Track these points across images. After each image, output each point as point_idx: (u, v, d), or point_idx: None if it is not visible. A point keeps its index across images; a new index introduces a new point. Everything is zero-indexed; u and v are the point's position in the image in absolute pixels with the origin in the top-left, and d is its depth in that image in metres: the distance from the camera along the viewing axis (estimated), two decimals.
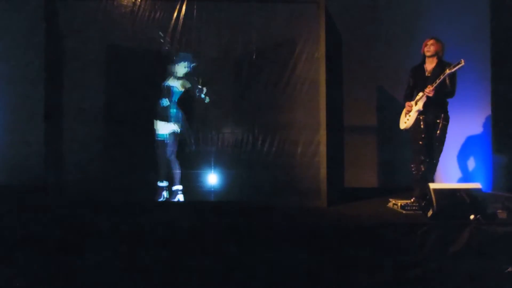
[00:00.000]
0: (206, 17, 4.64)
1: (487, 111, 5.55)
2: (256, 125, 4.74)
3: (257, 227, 3.48)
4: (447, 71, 3.93)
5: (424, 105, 4.14)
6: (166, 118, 4.62)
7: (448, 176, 5.43)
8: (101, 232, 3.37)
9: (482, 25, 5.56)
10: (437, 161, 4.19)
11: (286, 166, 4.65)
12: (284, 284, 3.24)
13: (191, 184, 4.71)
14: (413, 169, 4.22)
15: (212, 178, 4.79)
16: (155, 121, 4.66)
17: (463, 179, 5.51)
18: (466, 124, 5.42)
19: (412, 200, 4.16)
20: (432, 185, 3.65)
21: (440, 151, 4.16)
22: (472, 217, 3.42)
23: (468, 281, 3.23)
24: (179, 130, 4.64)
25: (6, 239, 3.31)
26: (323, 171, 4.37)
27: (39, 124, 4.51)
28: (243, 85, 4.82)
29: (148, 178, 4.66)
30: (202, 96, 4.61)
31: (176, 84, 4.64)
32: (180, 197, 4.64)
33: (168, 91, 4.63)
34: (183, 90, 4.66)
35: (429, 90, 4.02)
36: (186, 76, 4.67)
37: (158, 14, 4.59)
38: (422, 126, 4.17)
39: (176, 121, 4.62)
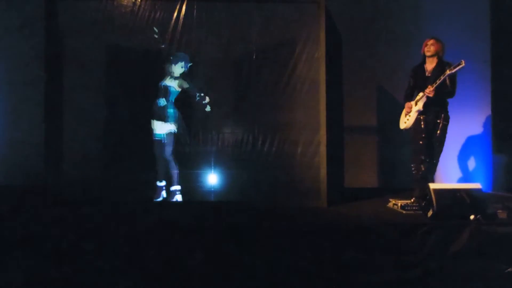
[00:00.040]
0: (206, 17, 4.64)
1: (487, 111, 5.55)
2: (256, 125, 4.74)
3: (257, 227, 3.48)
4: (448, 72, 3.93)
5: (424, 105, 4.14)
6: (163, 118, 4.62)
7: (448, 176, 5.42)
8: (101, 232, 3.37)
9: (482, 25, 5.55)
10: (437, 161, 4.19)
11: (286, 166, 4.65)
12: (284, 284, 3.24)
13: (191, 184, 4.71)
14: (413, 169, 4.22)
15: (212, 178, 4.78)
16: (152, 121, 4.66)
17: (463, 179, 5.51)
18: (466, 124, 5.42)
19: (412, 200, 4.16)
20: (432, 185, 3.65)
21: (440, 151, 4.17)
22: (472, 217, 3.42)
23: (468, 281, 3.23)
24: (176, 130, 4.64)
25: (6, 239, 3.30)
26: (323, 171, 4.37)
27: (39, 124, 4.51)
28: (243, 85, 4.82)
29: (147, 178, 4.66)
30: (204, 102, 4.61)
31: (173, 84, 4.64)
32: (178, 197, 4.64)
33: (165, 91, 4.63)
34: (180, 90, 4.66)
35: (430, 90, 4.02)
36: (184, 76, 4.67)
37: (158, 14, 4.59)
38: (422, 126, 4.17)
39: (173, 121, 4.63)
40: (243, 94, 4.84)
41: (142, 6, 4.58)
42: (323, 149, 4.40)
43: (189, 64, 4.68)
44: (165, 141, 4.62)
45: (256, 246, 3.33)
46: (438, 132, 4.13)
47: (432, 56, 4.18)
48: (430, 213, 3.60)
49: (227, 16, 4.71)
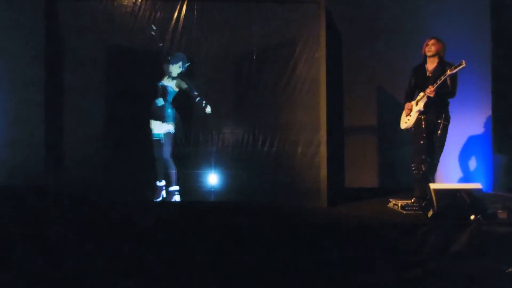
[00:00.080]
0: (206, 17, 4.65)
1: (487, 111, 5.55)
2: (256, 125, 4.74)
3: (257, 227, 3.48)
4: (448, 72, 3.93)
5: (425, 105, 4.13)
6: (161, 118, 4.63)
7: (448, 176, 5.42)
8: (101, 232, 3.37)
9: (482, 25, 5.55)
10: (438, 161, 4.19)
11: (286, 166, 4.65)
12: (284, 284, 3.24)
13: (191, 184, 4.71)
14: (413, 169, 4.22)
15: (212, 178, 4.78)
16: (150, 120, 4.66)
17: (463, 179, 5.51)
18: (466, 124, 5.41)
19: (412, 200, 4.16)
20: (432, 185, 3.65)
21: (441, 151, 4.16)
22: (472, 217, 3.41)
23: (468, 281, 3.22)
24: (174, 131, 4.64)
25: (6, 239, 3.30)
26: (323, 171, 4.37)
27: (39, 124, 4.52)
28: (243, 85, 4.82)
29: (147, 178, 4.66)
30: (203, 105, 4.61)
31: (171, 84, 4.65)
32: (176, 198, 4.64)
33: (163, 91, 4.64)
34: (178, 90, 4.66)
35: (430, 90, 4.02)
36: (182, 76, 4.67)
37: (158, 14, 4.60)
38: (423, 126, 4.17)
39: (171, 121, 4.63)
40: (243, 94, 4.84)
41: (142, 6, 4.59)
42: (323, 149, 4.40)
43: (187, 64, 4.68)
44: (163, 141, 4.62)
45: (256, 246, 3.33)
46: (439, 132, 4.13)
47: (433, 56, 4.18)
48: (430, 213, 3.60)
49: (227, 16, 4.71)
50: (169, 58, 4.65)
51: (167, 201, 4.63)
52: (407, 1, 5.69)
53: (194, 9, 4.61)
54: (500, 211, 3.67)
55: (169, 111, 4.64)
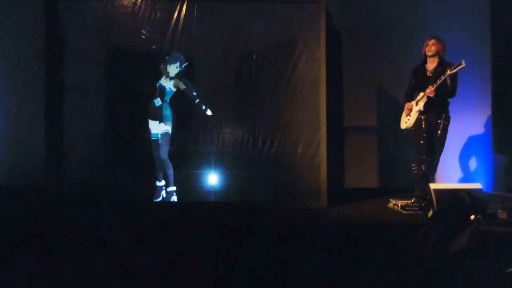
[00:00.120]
0: (206, 17, 4.65)
1: (487, 111, 5.54)
2: (256, 125, 4.74)
3: (257, 227, 3.48)
4: (448, 72, 3.93)
5: (425, 105, 4.13)
6: (158, 118, 4.62)
7: (448, 176, 5.42)
8: (101, 232, 3.37)
9: (482, 25, 5.55)
10: (438, 161, 4.19)
11: (287, 166, 4.66)
12: (284, 284, 3.24)
13: (192, 184, 4.71)
14: (414, 169, 4.22)
15: (213, 178, 4.79)
16: (149, 120, 4.66)
17: (463, 179, 5.51)
18: (466, 124, 5.40)
19: (412, 200, 4.15)
20: (432, 185, 3.65)
21: (441, 151, 4.16)
22: (472, 217, 3.42)
23: (468, 281, 3.23)
24: (171, 131, 4.63)
25: (6, 239, 3.30)
26: (323, 171, 4.37)
27: (39, 124, 4.51)
28: (243, 85, 4.82)
29: (147, 178, 4.66)
30: (202, 108, 4.61)
31: (169, 84, 4.65)
32: (174, 198, 4.63)
33: (161, 91, 4.63)
34: (175, 90, 4.66)
35: (430, 90, 4.02)
36: (180, 76, 4.66)
37: (158, 14, 4.60)
38: (423, 126, 4.17)
39: (169, 121, 4.62)
40: (243, 94, 4.84)
41: (142, 6, 4.58)
42: (323, 149, 4.40)
43: (185, 64, 4.68)
44: (160, 141, 4.61)
45: (256, 246, 3.33)
46: (439, 132, 4.13)
47: (433, 56, 4.18)
48: (430, 213, 3.60)
49: (227, 16, 4.71)
50: (167, 58, 4.65)
51: (166, 201, 4.63)
52: (407, 1, 5.68)
53: (194, 9, 4.61)
54: (500, 211, 3.67)
55: (167, 111, 4.63)
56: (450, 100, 4.19)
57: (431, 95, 4.03)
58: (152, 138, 4.66)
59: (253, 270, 3.26)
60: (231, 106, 4.97)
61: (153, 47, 4.62)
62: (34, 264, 3.23)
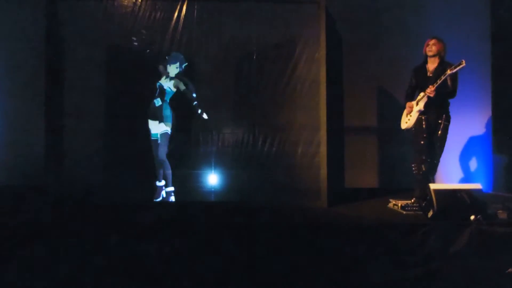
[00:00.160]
0: (206, 17, 4.65)
1: (488, 111, 5.55)
2: (256, 125, 4.74)
3: (257, 227, 3.48)
4: (448, 72, 3.92)
5: (426, 105, 4.13)
6: (158, 118, 4.61)
7: (448, 177, 5.42)
8: (101, 232, 3.37)
9: (482, 25, 5.55)
10: (438, 161, 4.18)
11: (286, 166, 4.66)
12: (284, 284, 3.24)
13: (192, 184, 4.71)
14: (414, 169, 4.22)
15: (213, 179, 4.79)
16: (148, 120, 4.66)
17: (463, 180, 5.51)
18: (466, 124, 5.41)
19: (412, 200, 4.15)
20: (432, 186, 3.65)
21: (442, 151, 4.16)
22: (472, 217, 3.41)
23: (468, 281, 3.23)
24: (170, 131, 4.62)
25: (6, 239, 3.30)
26: (323, 171, 4.37)
27: (39, 124, 4.51)
28: (243, 85, 4.82)
29: (147, 178, 4.66)
30: (199, 111, 4.60)
31: (169, 84, 4.64)
32: (172, 198, 4.63)
33: (161, 91, 4.63)
34: (175, 90, 4.65)
35: (430, 90, 4.02)
36: (180, 76, 4.66)
37: (158, 14, 4.60)
38: (423, 126, 4.16)
39: (168, 122, 4.61)
40: (243, 94, 4.85)
41: (142, 6, 4.59)
42: (323, 149, 4.40)
43: (184, 64, 4.67)
44: (159, 141, 4.61)
45: (256, 246, 3.33)
46: (440, 132, 4.12)
47: (433, 56, 4.17)
48: (430, 213, 3.60)
49: (227, 16, 4.71)
50: (167, 58, 4.65)
51: (166, 202, 4.63)
52: (407, 1, 5.68)
53: (194, 9, 4.61)
54: (500, 211, 3.67)
55: (167, 111, 4.63)
56: (450, 100, 4.19)
57: (432, 95, 4.03)
58: (152, 138, 4.66)
59: (253, 270, 3.26)
60: (231, 106, 4.97)
61: (148, 50, 4.60)
62: (34, 264, 3.23)
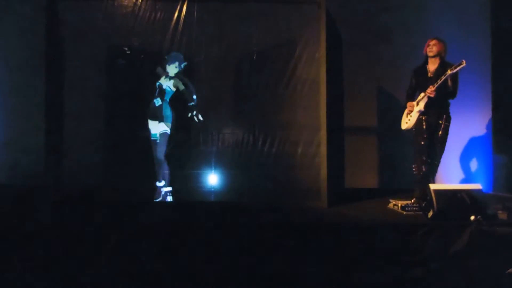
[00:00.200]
0: (206, 18, 4.65)
1: (488, 112, 5.54)
2: (256, 126, 4.74)
3: (257, 227, 3.48)
4: (449, 72, 3.92)
5: (426, 105, 4.13)
6: (158, 118, 4.60)
7: (448, 177, 5.42)
8: (101, 232, 3.37)
9: (482, 25, 5.55)
10: (439, 161, 4.18)
11: (287, 166, 4.66)
12: (284, 284, 3.24)
13: (192, 184, 4.71)
14: (414, 169, 4.22)
15: (213, 179, 4.78)
16: (148, 120, 4.66)
17: (464, 180, 5.51)
18: (466, 124, 5.40)
19: (412, 200, 4.15)
20: (432, 186, 3.65)
21: (442, 152, 4.15)
22: (472, 217, 3.41)
23: (468, 282, 3.23)
24: (170, 131, 4.62)
25: (6, 239, 3.30)
26: (324, 171, 4.36)
27: (39, 124, 4.51)
28: (243, 85, 4.82)
29: (147, 178, 4.66)
30: (194, 113, 4.59)
31: (168, 84, 4.64)
32: (169, 198, 4.63)
33: (161, 91, 4.63)
34: (175, 89, 4.65)
35: (431, 90, 4.02)
36: (179, 76, 4.65)
37: (158, 14, 4.60)
38: (424, 127, 4.16)
39: (168, 121, 4.60)
40: (244, 95, 4.85)
41: (143, 6, 4.59)
42: (323, 149, 4.39)
43: (184, 64, 4.66)
44: (158, 141, 4.60)
45: (256, 246, 3.33)
46: (440, 132, 4.12)
47: (434, 56, 4.17)
48: (430, 213, 3.60)
49: (227, 16, 4.71)
50: (166, 58, 4.65)
51: (166, 202, 4.63)
52: (408, 1, 5.68)
53: (194, 10, 4.62)
54: (500, 211, 3.67)
55: (167, 111, 4.62)
56: (450, 100, 4.19)
57: (432, 95, 4.02)
58: (152, 138, 4.65)
59: (253, 270, 3.26)
60: (231, 106, 4.97)
61: (142, 56, 4.60)
62: (34, 264, 3.23)
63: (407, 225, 3.46)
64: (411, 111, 4.26)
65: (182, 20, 4.61)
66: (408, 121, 4.29)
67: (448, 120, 4.13)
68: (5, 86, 5.41)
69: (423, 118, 4.17)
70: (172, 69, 4.64)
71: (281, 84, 4.65)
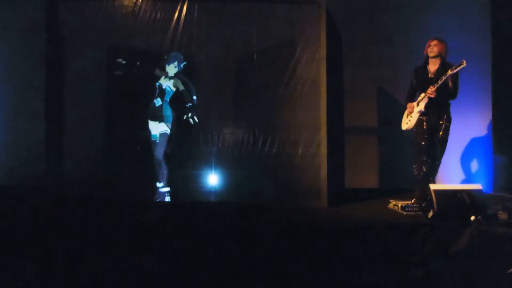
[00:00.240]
0: (206, 18, 4.64)
1: (488, 112, 5.54)
2: (256, 126, 4.74)
3: (257, 227, 3.48)
4: (449, 72, 3.92)
5: (426, 106, 4.12)
6: (158, 118, 4.59)
7: (449, 177, 5.42)
8: (101, 232, 3.37)
9: (482, 25, 5.55)
10: (440, 162, 4.18)
11: (287, 166, 4.65)
12: (284, 284, 3.24)
13: (192, 184, 4.71)
14: (415, 170, 4.21)
15: (213, 179, 4.78)
16: (148, 121, 4.65)
17: (464, 180, 5.51)
18: (466, 125, 5.40)
19: (412, 201, 4.15)
20: (432, 186, 3.65)
21: (443, 152, 4.15)
22: (472, 218, 3.41)
23: (468, 281, 3.23)
24: (169, 131, 4.61)
25: (6, 239, 3.30)
26: (324, 171, 4.36)
27: (39, 124, 4.52)
28: (243, 85, 4.82)
29: (147, 178, 4.66)
30: (189, 115, 4.58)
31: (168, 84, 4.63)
32: (167, 198, 4.62)
33: (161, 91, 4.62)
34: (175, 89, 4.64)
35: (431, 91, 4.01)
36: (179, 76, 4.65)
37: (158, 14, 4.60)
38: (424, 127, 4.16)
39: (168, 122, 4.60)
40: (243, 94, 4.84)
41: (143, 6, 4.59)
42: (323, 149, 4.39)
43: (183, 63, 4.66)
44: (158, 141, 4.60)
45: (256, 246, 3.33)
46: (441, 133, 4.11)
47: (435, 57, 4.16)
48: (430, 214, 3.60)
49: (227, 16, 4.71)
50: (165, 57, 4.64)
51: (166, 202, 4.63)
52: (408, 2, 5.68)
53: (194, 10, 4.62)
54: (500, 212, 3.67)
55: (167, 111, 4.61)
56: (450, 101, 4.18)
57: (432, 96, 4.02)
58: (152, 139, 4.64)
59: (253, 270, 3.25)
60: (231, 106, 4.97)
61: (138, 63, 4.60)
62: (34, 264, 3.23)
63: (407, 225, 3.46)
64: (411, 112, 4.26)
65: (182, 20, 4.60)
66: (408, 122, 4.28)
67: (448, 120, 4.13)
68: (5, 86, 5.41)
69: (424, 118, 4.17)
70: (172, 69, 4.64)
71: (281, 84, 4.65)
